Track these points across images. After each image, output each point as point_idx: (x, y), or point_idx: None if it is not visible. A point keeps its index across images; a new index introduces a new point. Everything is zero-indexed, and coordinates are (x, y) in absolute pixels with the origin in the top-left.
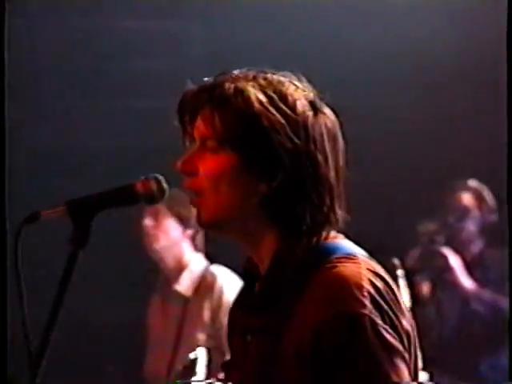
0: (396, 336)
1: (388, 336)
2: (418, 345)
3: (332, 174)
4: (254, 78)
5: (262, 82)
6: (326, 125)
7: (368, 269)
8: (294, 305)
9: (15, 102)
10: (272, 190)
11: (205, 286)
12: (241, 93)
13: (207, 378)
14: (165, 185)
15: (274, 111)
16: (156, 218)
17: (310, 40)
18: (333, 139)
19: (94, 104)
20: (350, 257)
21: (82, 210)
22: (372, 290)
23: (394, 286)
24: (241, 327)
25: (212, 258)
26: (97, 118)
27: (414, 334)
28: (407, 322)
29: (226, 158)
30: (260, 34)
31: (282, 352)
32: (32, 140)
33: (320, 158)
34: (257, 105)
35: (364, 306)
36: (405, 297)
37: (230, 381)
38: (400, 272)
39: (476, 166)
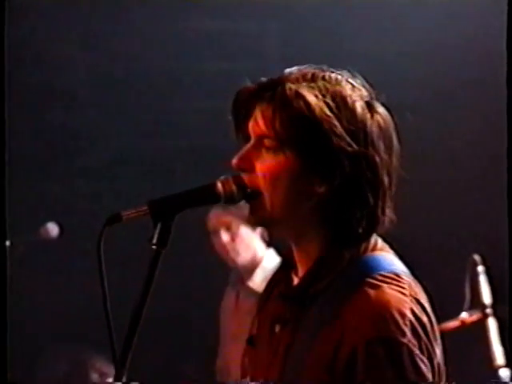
0: (429, 367)
1: (422, 366)
2: (443, 373)
3: (385, 174)
4: (314, 79)
5: (322, 84)
6: (379, 125)
7: (411, 295)
8: (333, 310)
9: (89, 106)
10: (329, 193)
11: None
12: (302, 97)
13: None
14: (244, 184)
15: (334, 117)
16: (230, 229)
17: (388, 39)
18: (387, 139)
19: (168, 104)
20: (395, 277)
21: (164, 210)
22: (413, 320)
23: (432, 315)
24: (271, 316)
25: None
26: (171, 117)
27: (442, 363)
28: (440, 352)
29: (285, 159)
30: (335, 35)
31: (313, 353)
32: (110, 142)
33: (377, 160)
34: (318, 110)
35: (404, 334)
36: (485, 294)
37: (253, 367)
38: (480, 268)
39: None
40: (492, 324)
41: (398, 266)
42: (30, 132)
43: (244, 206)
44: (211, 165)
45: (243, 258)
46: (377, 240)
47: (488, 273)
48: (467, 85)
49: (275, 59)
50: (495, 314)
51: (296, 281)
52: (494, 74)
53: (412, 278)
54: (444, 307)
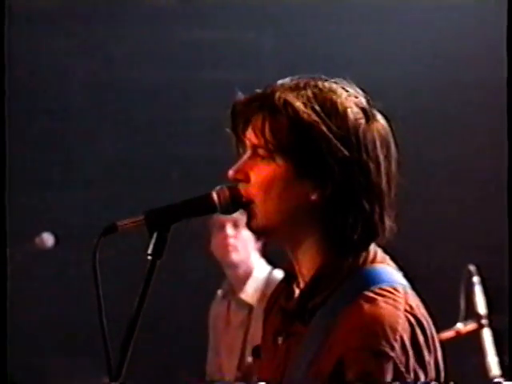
0: None
1: None
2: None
3: (384, 182)
4: (305, 88)
5: (311, 92)
6: (378, 132)
7: (406, 310)
8: (330, 323)
9: (89, 111)
10: (323, 200)
11: (269, 292)
12: (290, 105)
13: None
14: (239, 194)
15: (323, 123)
16: (236, 227)
17: (387, 47)
18: (385, 146)
19: (164, 113)
20: (392, 291)
21: (160, 220)
22: (404, 336)
23: (429, 329)
24: (274, 328)
25: (273, 261)
26: (167, 126)
27: (443, 374)
28: (434, 366)
29: (276, 167)
30: (331, 43)
31: (311, 366)
32: (106, 151)
33: (372, 166)
34: (306, 116)
35: (393, 348)
36: (480, 304)
37: (260, 377)
38: (476, 279)
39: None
40: (487, 334)
41: (398, 279)
42: (27, 142)
43: None
44: (208, 174)
45: (238, 256)
46: (376, 251)
47: (483, 283)
48: (467, 88)
49: (271, 68)
50: (490, 325)
51: (297, 293)
52: (495, 77)
53: (411, 291)
54: (439, 317)
